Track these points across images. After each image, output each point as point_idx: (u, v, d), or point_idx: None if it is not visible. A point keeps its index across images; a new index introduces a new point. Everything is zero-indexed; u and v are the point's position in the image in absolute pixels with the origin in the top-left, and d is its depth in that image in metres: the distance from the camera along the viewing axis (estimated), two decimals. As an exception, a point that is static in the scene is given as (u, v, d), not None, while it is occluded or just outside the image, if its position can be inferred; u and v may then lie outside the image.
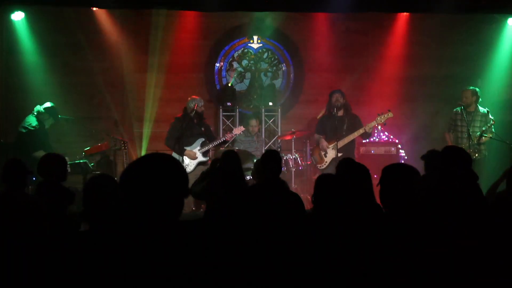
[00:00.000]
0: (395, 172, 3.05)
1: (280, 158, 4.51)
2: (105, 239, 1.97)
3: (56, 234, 2.88)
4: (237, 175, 4.60)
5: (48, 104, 7.38)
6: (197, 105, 7.40)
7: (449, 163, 3.71)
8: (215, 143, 7.49)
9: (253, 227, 3.14)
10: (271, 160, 4.43)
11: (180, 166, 1.99)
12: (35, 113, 7.29)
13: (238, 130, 7.74)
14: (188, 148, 7.39)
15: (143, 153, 8.72)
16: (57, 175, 4.35)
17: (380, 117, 7.32)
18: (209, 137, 7.60)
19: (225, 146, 8.63)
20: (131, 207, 1.90)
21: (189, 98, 7.54)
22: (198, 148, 7.43)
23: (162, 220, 1.92)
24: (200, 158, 7.44)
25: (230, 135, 7.65)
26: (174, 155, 7.31)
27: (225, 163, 4.69)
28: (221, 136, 7.98)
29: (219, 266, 1.97)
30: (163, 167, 1.94)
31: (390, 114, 7.34)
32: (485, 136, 7.48)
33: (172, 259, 1.87)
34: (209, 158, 7.46)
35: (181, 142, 7.26)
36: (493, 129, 7.50)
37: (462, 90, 7.73)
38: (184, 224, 2.00)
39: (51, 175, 4.33)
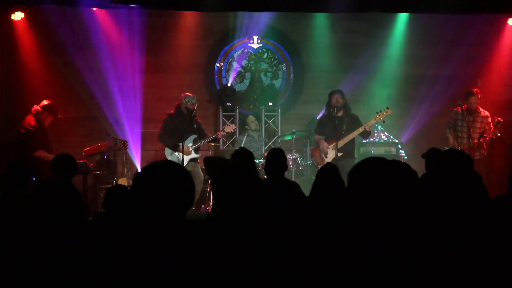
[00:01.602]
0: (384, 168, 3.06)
1: (284, 157, 4.54)
2: (105, 241, 1.98)
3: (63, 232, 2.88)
4: (250, 173, 4.56)
5: (45, 102, 7.38)
6: (189, 102, 7.43)
7: (453, 166, 3.71)
8: (207, 140, 7.55)
9: (258, 225, 3.14)
10: (274, 159, 4.47)
11: (188, 177, 2.02)
12: (34, 113, 7.29)
13: (229, 128, 7.77)
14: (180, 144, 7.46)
15: (142, 153, 8.73)
16: (69, 173, 4.69)
17: (379, 115, 7.33)
18: (201, 134, 7.63)
19: (225, 146, 8.65)
20: (140, 212, 1.92)
21: (182, 95, 7.58)
22: (190, 144, 7.50)
23: (167, 224, 1.94)
24: (193, 154, 7.49)
25: (222, 133, 7.67)
26: (167, 151, 7.46)
27: (236, 161, 4.64)
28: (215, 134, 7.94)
29: (225, 264, 1.98)
30: (173, 177, 1.98)
31: (389, 112, 7.35)
32: (485, 137, 7.50)
33: (179, 258, 1.89)
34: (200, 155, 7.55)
35: (173, 138, 7.36)
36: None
37: (470, 95, 7.66)
38: (189, 224, 2.02)
39: (64, 173, 4.59)
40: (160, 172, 1.99)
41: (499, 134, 7.40)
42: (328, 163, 3.92)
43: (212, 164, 4.88)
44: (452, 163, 3.72)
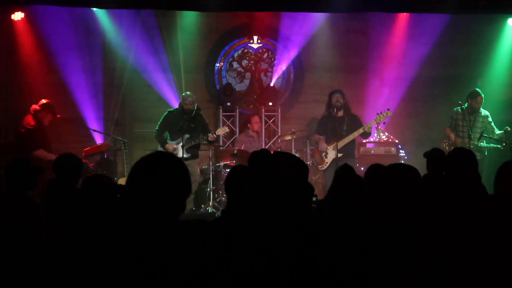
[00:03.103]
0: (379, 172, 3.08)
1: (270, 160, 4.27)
2: (108, 237, 1.97)
3: (66, 232, 2.87)
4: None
5: (43, 101, 7.38)
6: (185, 101, 7.42)
7: (456, 166, 3.69)
8: (197, 140, 7.46)
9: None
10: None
11: (183, 166, 2.02)
12: (32, 112, 7.29)
13: (221, 131, 7.63)
14: (171, 143, 7.43)
15: (141, 153, 8.71)
16: (72, 173, 4.38)
17: (379, 116, 7.34)
18: (204, 132, 7.55)
19: (225, 146, 8.63)
20: (136, 205, 1.93)
21: (183, 94, 7.61)
22: (181, 143, 7.43)
23: (164, 217, 1.94)
24: (180, 154, 7.37)
25: (213, 136, 7.46)
26: (160, 149, 7.45)
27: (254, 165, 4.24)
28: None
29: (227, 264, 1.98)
30: (167, 166, 1.97)
31: (389, 113, 7.35)
32: (485, 136, 7.51)
33: (174, 256, 1.89)
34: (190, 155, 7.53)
35: (164, 135, 7.49)
36: (496, 130, 7.53)
37: (477, 95, 7.64)
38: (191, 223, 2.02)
39: (65, 173, 4.34)
40: (155, 162, 1.99)
41: (504, 144, 7.41)
42: (345, 164, 3.67)
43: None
44: (456, 162, 3.71)
